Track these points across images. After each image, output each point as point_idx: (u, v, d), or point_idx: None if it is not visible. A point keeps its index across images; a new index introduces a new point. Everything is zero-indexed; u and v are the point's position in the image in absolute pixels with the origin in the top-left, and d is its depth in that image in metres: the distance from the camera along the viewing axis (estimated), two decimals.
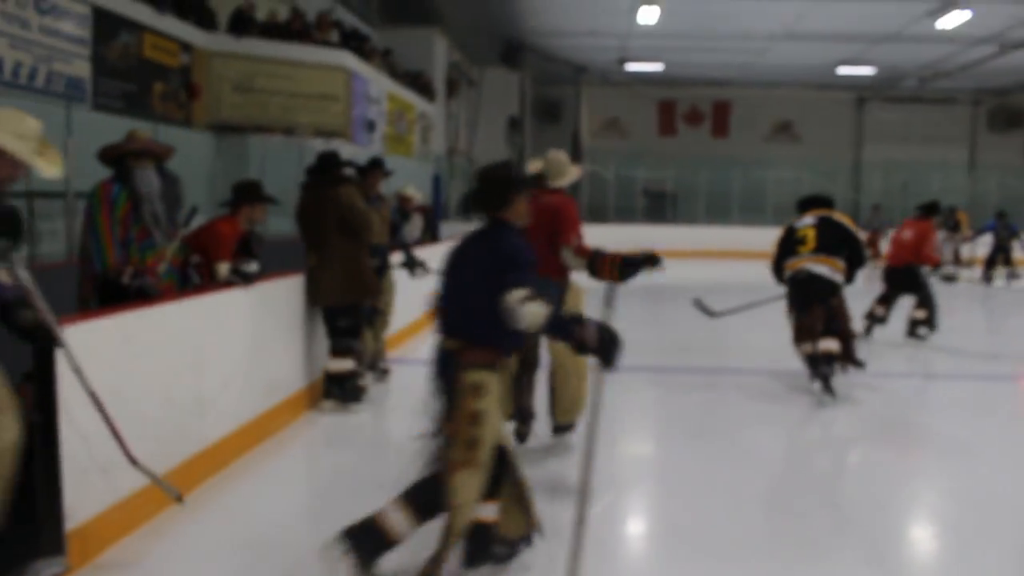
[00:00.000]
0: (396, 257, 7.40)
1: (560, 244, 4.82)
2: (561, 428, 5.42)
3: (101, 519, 3.64)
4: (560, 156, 5.23)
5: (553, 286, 4.75)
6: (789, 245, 6.97)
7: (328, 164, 6.25)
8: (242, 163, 11.62)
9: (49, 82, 8.50)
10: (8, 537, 3.34)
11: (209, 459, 4.62)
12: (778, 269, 7.09)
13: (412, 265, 7.46)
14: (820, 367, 6.64)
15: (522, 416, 5.25)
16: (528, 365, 5.21)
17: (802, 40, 21.07)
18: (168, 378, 4.22)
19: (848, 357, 6.89)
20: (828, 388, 6.61)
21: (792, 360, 7.16)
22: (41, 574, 3.31)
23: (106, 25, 9.43)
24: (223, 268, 5.11)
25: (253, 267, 5.21)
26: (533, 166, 5.25)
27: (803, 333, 6.80)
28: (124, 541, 3.77)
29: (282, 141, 12.26)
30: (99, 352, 3.63)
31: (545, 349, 5.18)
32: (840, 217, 7.12)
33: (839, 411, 6.57)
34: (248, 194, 5.39)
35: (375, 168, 6.87)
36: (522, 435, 5.27)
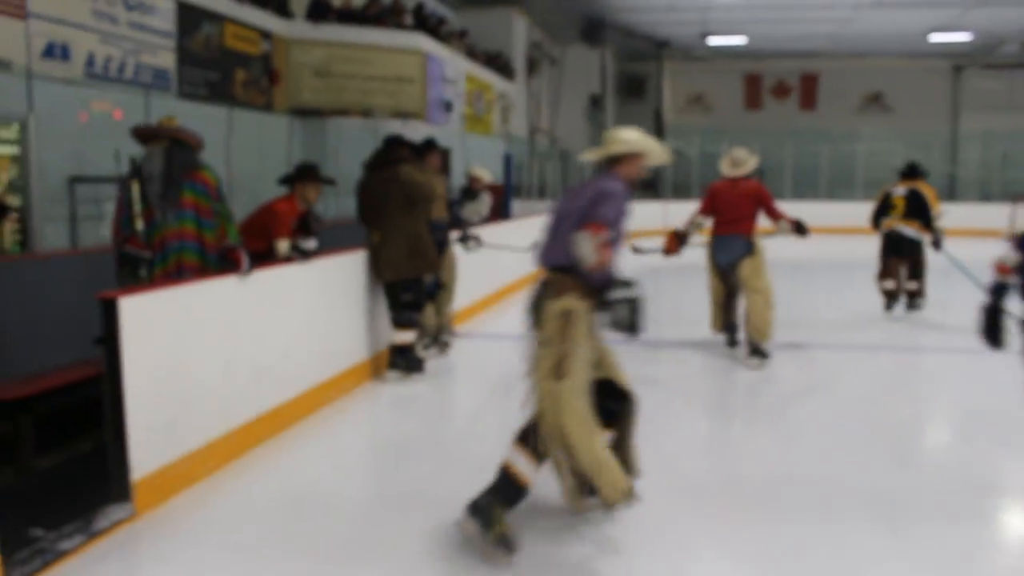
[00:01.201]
0: (454, 234, 7.71)
1: (775, 219, 7.04)
2: (756, 348, 6.93)
3: (164, 472, 4.02)
4: (742, 152, 7.22)
5: (744, 240, 7.01)
6: (885, 207, 9.13)
7: (392, 146, 6.58)
8: (321, 145, 12.08)
9: (137, 73, 9.04)
10: (82, 485, 3.78)
11: (269, 422, 4.98)
12: (875, 223, 9.23)
13: (466, 239, 7.75)
14: (894, 301, 9.27)
15: (731, 329, 7.50)
16: (732, 292, 7.32)
17: (890, 7, 20.45)
18: (227, 347, 4.58)
19: (921, 293, 9.34)
20: (914, 306, 9.32)
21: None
22: (110, 518, 3.72)
23: (189, 17, 9.94)
24: (283, 245, 5.45)
25: (311, 244, 5.54)
26: (726, 162, 7.22)
27: (886, 273, 9.21)
28: (186, 492, 4.16)
29: (359, 123, 12.67)
30: (160, 322, 4.01)
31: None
32: (924, 189, 9.06)
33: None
34: (301, 174, 5.72)
35: (430, 147, 7.15)
36: (732, 342, 7.52)
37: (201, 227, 4.67)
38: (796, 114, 27.59)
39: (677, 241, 7.16)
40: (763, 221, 7.22)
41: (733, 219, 7.08)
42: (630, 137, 3.87)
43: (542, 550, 3.62)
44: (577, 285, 3.60)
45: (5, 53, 7.49)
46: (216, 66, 10.54)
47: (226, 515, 3.99)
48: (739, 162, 7.16)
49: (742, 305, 7.19)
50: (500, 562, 3.47)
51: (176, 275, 4.57)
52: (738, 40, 24.52)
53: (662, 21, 22.67)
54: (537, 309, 3.71)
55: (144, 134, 4.79)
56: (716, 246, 7.22)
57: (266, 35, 11.70)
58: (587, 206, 3.60)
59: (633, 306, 3.60)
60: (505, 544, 3.49)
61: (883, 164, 24.56)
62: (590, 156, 3.95)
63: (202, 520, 3.92)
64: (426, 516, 3.97)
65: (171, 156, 4.62)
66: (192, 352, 4.27)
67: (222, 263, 4.73)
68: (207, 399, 4.38)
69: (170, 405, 4.08)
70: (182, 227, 4.61)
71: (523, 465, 3.60)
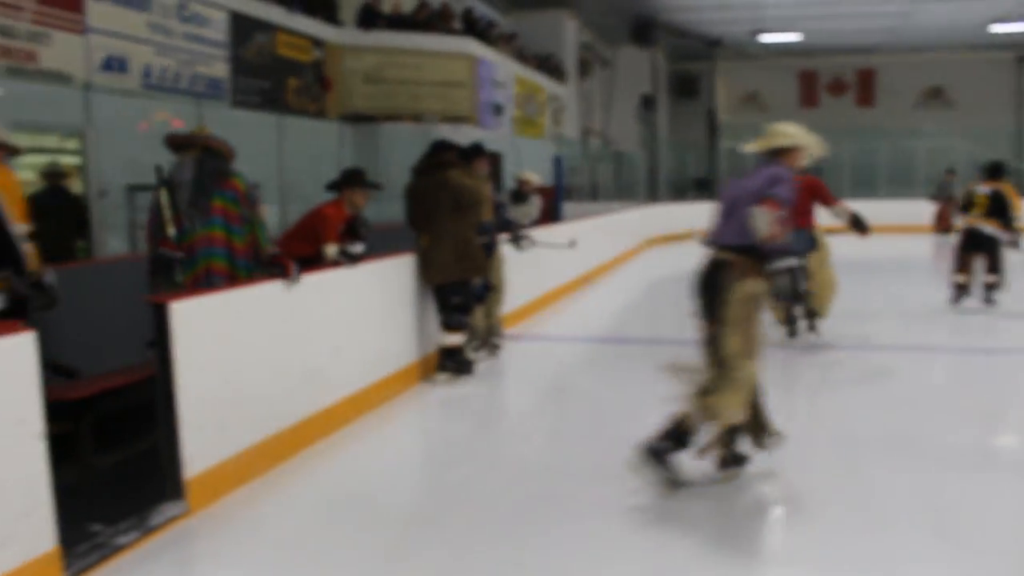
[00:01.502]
0: (504, 236, 7.74)
1: (829, 206, 7.60)
2: (813, 312, 7.81)
3: (217, 470, 4.11)
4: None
5: (807, 234, 7.41)
6: (967, 204, 9.43)
7: (439, 151, 6.65)
8: (373, 151, 12.23)
9: (192, 83, 9.26)
10: (139, 483, 3.90)
11: (320, 423, 5.07)
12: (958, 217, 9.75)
13: (518, 240, 7.79)
14: (963, 294, 9.40)
15: (791, 321, 7.87)
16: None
17: None
18: (278, 349, 4.67)
19: (998, 286, 9.38)
20: (990, 300, 9.30)
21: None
22: (165, 514, 3.82)
23: (242, 27, 10.16)
24: (331, 249, 5.54)
25: (359, 248, 5.62)
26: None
27: (960, 268, 9.44)
28: (239, 491, 4.25)
29: (410, 128, 12.78)
30: (210, 325, 4.11)
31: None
32: (1007, 190, 9.26)
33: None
34: (349, 180, 5.80)
35: (478, 152, 7.22)
36: (793, 333, 7.88)
37: (231, 233, 4.67)
38: (854, 111, 27.07)
39: None
40: (828, 219, 7.61)
41: (793, 214, 7.21)
42: (792, 131, 4.31)
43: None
44: (755, 264, 4.01)
45: (65, 67, 7.73)
46: (269, 75, 10.75)
47: (278, 513, 4.07)
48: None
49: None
50: (670, 494, 4.10)
51: (205, 281, 4.59)
52: (792, 37, 24.18)
53: (714, 19, 22.47)
54: (713, 287, 4.10)
55: (177, 142, 4.84)
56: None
57: (318, 43, 11.90)
58: (761, 188, 4.02)
59: (794, 275, 4.03)
60: (677, 484, 4.11)
61: (944, 161, 23.97)
62: (752, 148, 4.37)
63: (254, 518, 4.00)
64: (475, 516, 4.01)
65: (202, 164, 4.65)
66: (243, 354, 4.36)
67: (257, 269, 4.74)
68: (258, 400, 4.47)
69: (222, 406, 4.18)
70: (211, 233, 4.62)
71: (696, 420, 4.07)
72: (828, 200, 7.57)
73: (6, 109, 6.72)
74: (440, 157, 6.60)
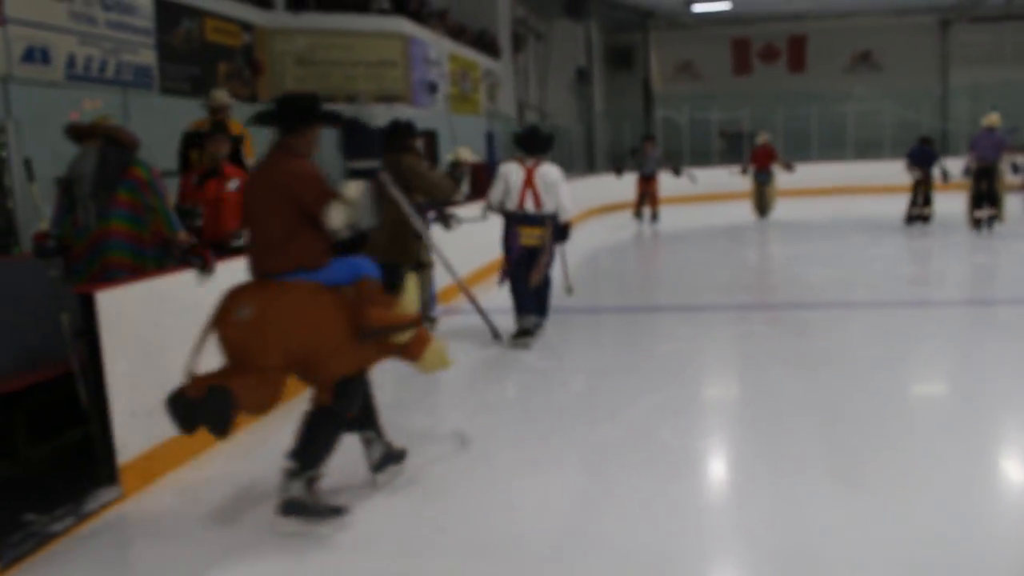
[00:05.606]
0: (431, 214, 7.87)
1: (776, 161, 15.89)
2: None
3: (150, 455, 4.24)
4: (766, 135, 16.33)
5: (768, 172, 15.79)
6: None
7: (397, 132, 6.74)
8: None
9: (119, 72, 9.21)
10: (73, 472, 4.02)
11: None
12: None
13: (446, 220, 7.92)
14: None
15: (763, 211, 16.06)
16: (763, 193, 16.08)
17: None
18: None
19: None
20: None
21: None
22: (100, 500, 3.94)
23: (168, 14, 10.10)
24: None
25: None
26: (760, 138, 16.27)
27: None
28: (172, 474, 4.38)
29: (344, 109, 12.79)
30: (136, 312, 4.21)
31: None
32: None
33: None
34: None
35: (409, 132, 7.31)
36: (761, 219, 15.99)
37: (138, 225, 4.60)
38: (785, 77, 27.52)
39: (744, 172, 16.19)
40: None
41: (763, 162, 15.45)
42: None
43: None
44: None
45: None
46: (198, 61, 10.70)
47: (210, 494, 4.19)
48: (765, 139, 15.78)
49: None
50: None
51: (102, 277, 4.46)
52: (723, 5, 24.52)
53: None
54: None
55: (78, 133, 4.76)
56: (757, 175, 15.67)
57: (247, 27, 11.85)
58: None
59: None
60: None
61: (874, 123, 24.61)
62: None
63: (187, 499, 4.13)
64: (407, 489, 4.19)
65: (105, 157, 4.56)
66: (170, 339, 4.44)
67: (167, 258, 4.73)
68: None
69: (151, 391, 4.26)
70: (107, 226, 4.52)
71: None
72: (776, 159, 15.55)
73: None
74: (400, 141, 6.69)
